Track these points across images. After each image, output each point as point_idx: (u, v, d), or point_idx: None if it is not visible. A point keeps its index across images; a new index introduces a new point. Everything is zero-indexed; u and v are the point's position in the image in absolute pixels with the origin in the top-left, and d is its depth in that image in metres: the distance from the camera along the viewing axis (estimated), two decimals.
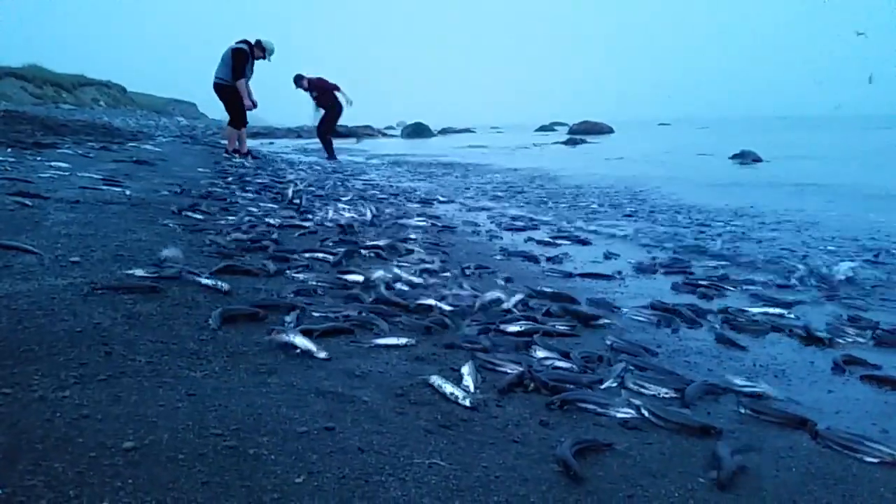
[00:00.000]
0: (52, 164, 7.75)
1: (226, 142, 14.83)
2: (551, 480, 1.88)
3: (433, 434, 2.09)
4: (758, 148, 20.89)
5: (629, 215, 8.72)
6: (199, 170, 10.19)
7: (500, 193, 11.16)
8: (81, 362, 2.24)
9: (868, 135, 35.62)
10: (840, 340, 3.65)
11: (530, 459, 2.01)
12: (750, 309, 4.08)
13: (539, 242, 6.41)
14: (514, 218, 8.04)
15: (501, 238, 6.58)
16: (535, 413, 2.37)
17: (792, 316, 4.01)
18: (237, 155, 13.49)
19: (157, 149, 13.46)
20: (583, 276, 5.00)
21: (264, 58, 13.49)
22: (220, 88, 13.34)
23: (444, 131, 54.60)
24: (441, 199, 9.71)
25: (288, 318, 2.96)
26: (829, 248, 6.52)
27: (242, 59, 13.06)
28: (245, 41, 13.23)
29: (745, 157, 19.83)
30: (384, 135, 48.15)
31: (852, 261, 5.62)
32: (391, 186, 11.20)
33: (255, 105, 13.52)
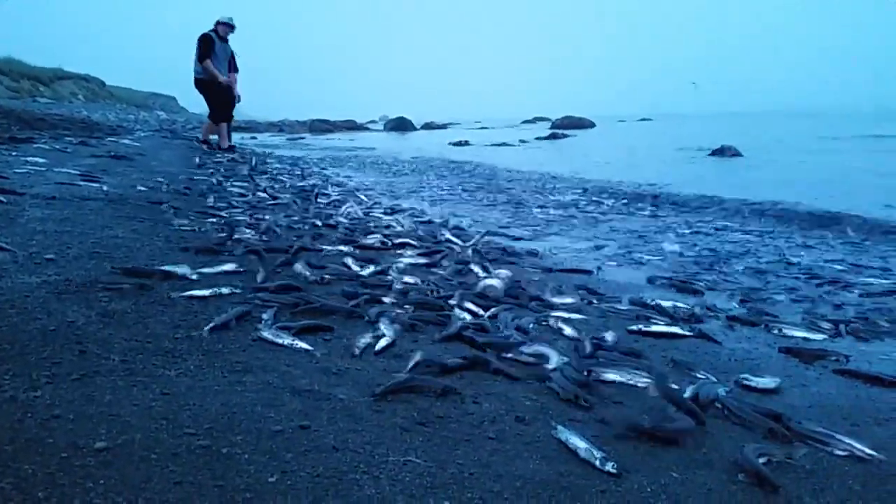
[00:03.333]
0: (29, 159, 7.65)
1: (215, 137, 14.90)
2: (526, 477, 1.89)
3: (409, 431, 2.09)
4: (746, 144, 21.17)
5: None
6: (190, 168, 10.11)
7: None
8: (54, 361, 2.22)
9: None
10: None
11: (505, 456, 2.02)
12: None
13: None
14: None
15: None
16: (511, 410, 2.38)
17: None
18: (218, 149, 13.43)
19: (136, 143, 13.31)
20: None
21: (231, 31, 13.33)
22: (196, 83, 13.32)
23: (427, 126, 54.54)
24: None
25: (265, 316, 2.95)
26: None
27: (203, 42, 12.95)
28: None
29: (725, 153, 20.01)
30: (367, 129, 48.01)
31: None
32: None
33: (232, 90, 13.39)
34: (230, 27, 13.36)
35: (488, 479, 1.86)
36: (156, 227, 4.80)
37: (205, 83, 13.20)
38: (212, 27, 13.20)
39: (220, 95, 13.40)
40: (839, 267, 5.94)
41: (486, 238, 6.06)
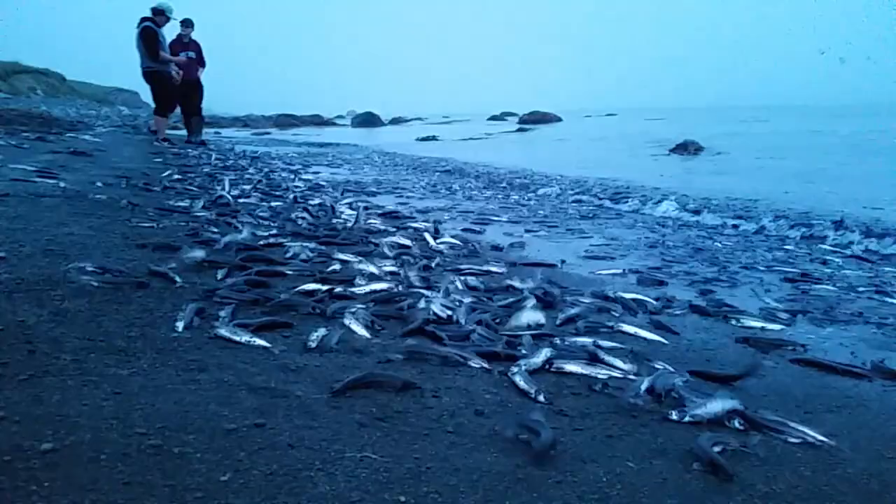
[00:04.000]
0: None
1: (182, 132, 14.88)
2: (482, 469, 1.89)
3: (367, 427, 2.08)
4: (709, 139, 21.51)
5: None
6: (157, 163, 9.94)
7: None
8: (2, 362, 2.16)
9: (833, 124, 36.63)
10: None
11: (463, 449, 2.02)
12: None
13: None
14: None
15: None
16: (470, 403, 2.38)
17: None
18: (167, 142, 13.37)
19: (96, 139, 13.05)
20: None
21: (167, 20, 13.25)
22: (146, 76, 13.25)
23: (395, 121, 54.40)
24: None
25: (223, 313, 2.90)
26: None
27: (150, 37, 12.84)
28: (145, 18, 12.94)
29: (688, 147, 20.30)
30: (334, 124, 47.72)
31: None
32: None
33: (179, 74, 13.41)
34: (168, 18, 13.28)
35: (445, 472, 1.86)
36: (113, 224, 4.71)
37: (151, 75, 13.12)
38: (143, 18, 12.99)
39: (166, 87, 13.36)
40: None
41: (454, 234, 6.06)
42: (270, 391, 2.22)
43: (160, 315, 2.85)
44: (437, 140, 28.67)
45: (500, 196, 10.24)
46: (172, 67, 13.35)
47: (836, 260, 6.24)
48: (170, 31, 13.70)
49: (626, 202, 10.11)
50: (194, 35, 14.51)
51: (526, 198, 10.37)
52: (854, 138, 24.68)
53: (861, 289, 4.90)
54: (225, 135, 26.86)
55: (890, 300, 4.58)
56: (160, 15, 13.04)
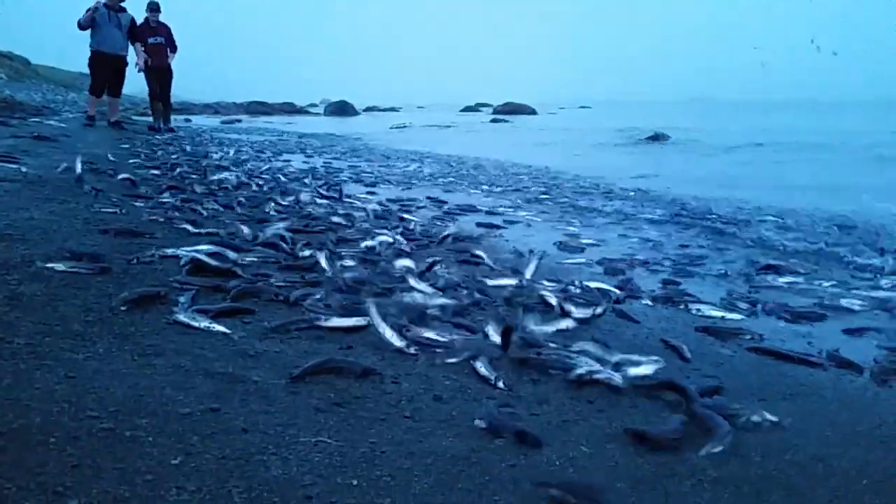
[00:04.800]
0: None
1: (149, 119, 14.65)
2: (437, 454, 1.91)
3: (324, 412, 2.08)
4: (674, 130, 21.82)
5: None
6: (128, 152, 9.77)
7: None
8: None
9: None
10: None
11: (419, 434, 2.04)
12: None
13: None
14: None
15: None
16: (429, 389, 2.40)
17: None
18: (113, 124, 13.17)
19: (62, 124, 12.81)
20: None
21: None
22: (122, 60, 12.97)
23: (368, 110, 54.15)
24: None
25: (182, 299, 2.88)
26: None
27: (88, 11, 12.48)
28: (119, 7, 12.70)
29: (660, 138, 20.63)
30: (307, 112, 47.37)
31: None
32: None
33: (120, 62, 13.01)
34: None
35: (399, 456, 1.87)
36: (76, 209, 4.64)
37: (91, 55, 12.75)
38: (119, 6, 12.75)
39: (94, 66, 12.86)
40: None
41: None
42: (228, 376, 2.21)
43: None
44: (409, 127, 28.63)
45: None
46: (140, 53, 13.10)
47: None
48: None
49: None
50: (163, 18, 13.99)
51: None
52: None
53: None
54: (195, 122, 26.52)
55: None
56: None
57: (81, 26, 12.46)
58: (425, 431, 2.05)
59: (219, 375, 2.22)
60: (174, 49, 14.24)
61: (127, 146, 10.24)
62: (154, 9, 13.66)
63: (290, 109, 46.49)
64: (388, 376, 2.45)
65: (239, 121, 31.72)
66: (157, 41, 13.81)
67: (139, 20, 13.36)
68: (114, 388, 2.00)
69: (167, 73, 14.31)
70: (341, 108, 47.69)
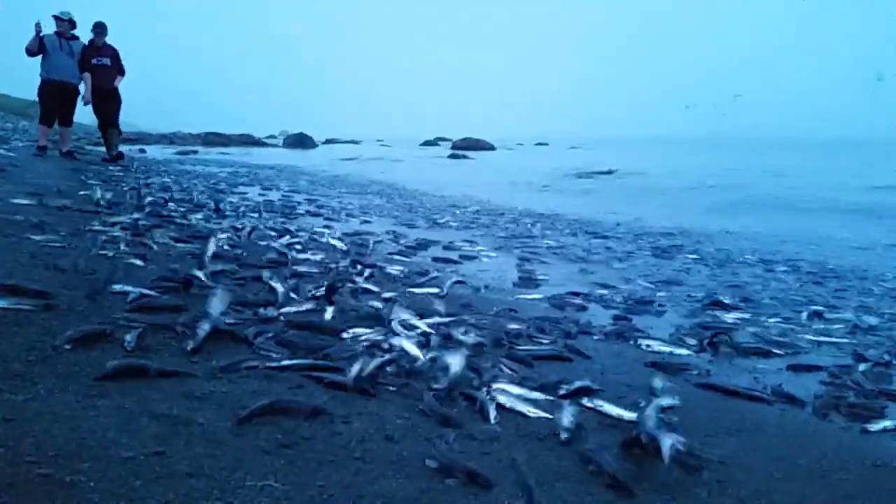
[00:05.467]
0: None
1: (103, 148, 14.29)
2: (386, 495, 1.90)
3: (271, 455, 2.06)
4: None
5: None
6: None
7: None
8: None
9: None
10: None
11: (369, 476, 2.02)
12: None
13: None
14: None
15: None
16: (380, 429, 2.39)
17: None
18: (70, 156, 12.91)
19: (10, 154, 12.52)
20: None
21: (64, 25, 12.31)
22: (73, 89, 12.57)
23: (328, 142, 54.18)
24: None
25: (128, 338, 2.82)
26: None
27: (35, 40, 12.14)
28: (71, 35, 12.32)
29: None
30: (265, 144, 47.19)
31: None
32: None
33: (68, 91, 12.53)
34: (60, 20, 12.26)
35: (348, 499, 1.86)
36: (20, 243, 4.53)
37: (41, 84, 12.44)
38: (70, 33, 12.37)
39: (44, 95, 12.57)
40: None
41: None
42: (172, 418, 2.17)
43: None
44: (358, 161, 28.79)
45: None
46: (88, 84, 12.59)
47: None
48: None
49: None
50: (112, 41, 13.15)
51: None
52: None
53: None
54: (150, 153, 26.16)
55: None
56: (59, 21, 12.27)
57: (29, 51, 12.19)
58: (375, 473, 2.04)
59: (163, 417, 2.17)
60: (121, 73, 13.34)
61: (79, 177, 10.05)
62: (99, 30, 12.96)
63: (247, 141, 46.24)
64: (339, 416, 2.43)
65: (195, 151, 31.42)
66: (100, 62, 12.95)
67: None
68: (55, 432, 1.95)
69: (113, 96, 13.38)
70: (300, 141, 47.64)
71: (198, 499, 1.72)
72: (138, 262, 4.39)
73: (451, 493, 1.98)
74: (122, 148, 15.39)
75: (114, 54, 13.07)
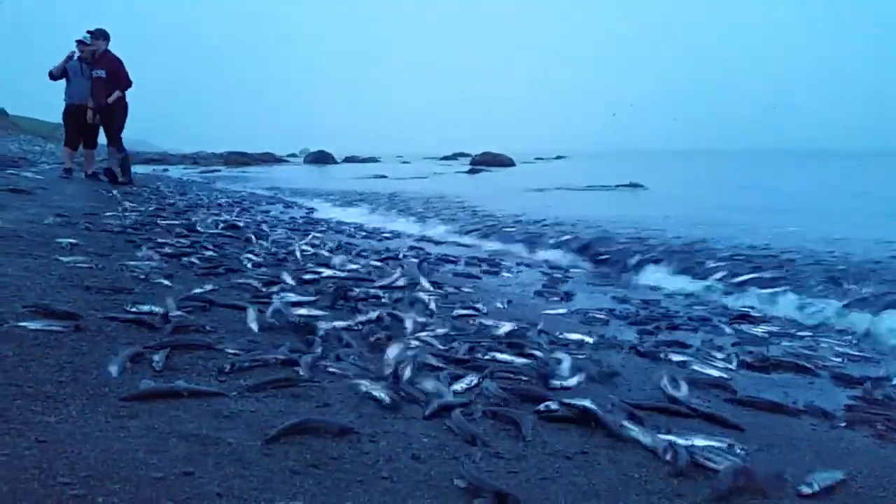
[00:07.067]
0: None
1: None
2: None
3: (300, 475, 2.06)
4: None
5: None
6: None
7: None
8: None
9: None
10: None
11: (397, 496, 2.02)
12: None
13: None
14: None
15: None
16: (407, 448, 2.38)
17: None
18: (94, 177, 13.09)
19: (38, 176, 12.77)
20: None
21: (84, 46, 12.30)
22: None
23: (348, 159, 54.60)
24: None
25: (156, 358, 2.85)
26: None
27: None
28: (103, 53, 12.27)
29: (633, 186, 21.06)
30: (286, 161, 47.70)
31: None
32: None
33: (86, 113, 12.42)
34: (81, 42, 12.25)
35: None
36: (50, 264, 4.60)
37: (65, 108, 12.66)
38: (92, 51, 12.33)
39: (67, 119, 12.78)
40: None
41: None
42: (201, 438, 2.18)
43: (93, 360, 2.79)
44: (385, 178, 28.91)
45: None
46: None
47: None
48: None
49: None
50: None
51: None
52: None
53: None
54: (172, 173, 26.51)
55: None
56: (80, 46, 12.33)
57: (53, 76, 12.48)
58: (403, 493, 2.03)
59: (192, 437, 2.18)
60: (123, 85, 12.46)
61: (105, 198, 10.21)
62: (95, 37, 12.28)
63: (268, 159, 46.77)
64: (366, 435, 2.43)
65: (218, 171, 31.80)
66: (96, 74, 12.27)
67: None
68: (86, 453, 1.96)
69: (112, 113, 12.49)
70: (320, 158, 48.10)
71: None
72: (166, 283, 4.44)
73: None
74: (145, 168, 15.52)
75: (112, 67, 12.28)
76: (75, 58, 12.48)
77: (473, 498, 2.05)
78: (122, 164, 13.23)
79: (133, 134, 13.81)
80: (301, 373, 2.96)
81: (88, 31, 12.38)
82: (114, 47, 12.62)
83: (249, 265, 5.55)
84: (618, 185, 22.12)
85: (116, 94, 12.33)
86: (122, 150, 13.15)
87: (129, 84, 12.55)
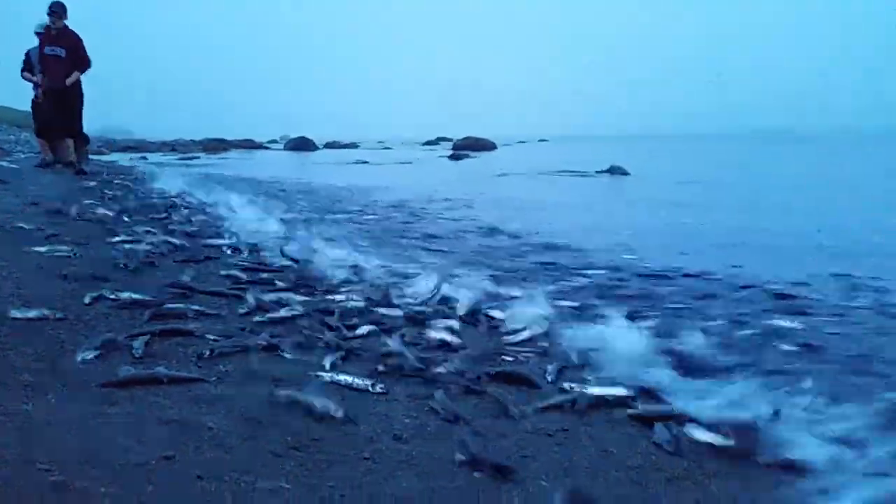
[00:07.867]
0: None
1: (107, 156, 13.79)
2: (396, 495, 1.91)
3: (281, 457, 2.07)
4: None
5: None
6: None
7: None
8: None
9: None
10: None
11: (379, 475, 2.03)
12: None
13: None
14: None
15: None
16: (389, 429, 2.39)
17: None
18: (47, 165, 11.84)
19: (13, 166, 12.59)
20: None
21: (50, 24, 10.88)
22: (62, 92, 11.17)
23: (329, 145, 54.27)
24: None
25: (136, 345, 2.84)
26: None
27: (25, 57, 11.33)
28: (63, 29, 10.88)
29: (614, 171, 20.97)
30: (266, 148, 47.35)
31: None
32: None
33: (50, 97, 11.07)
34: (43, 31, 10.96)
35: (359, 500, 1.87)
36: (28, 254, 4.55)
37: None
38: (61, 31, 10.95)
39: (35, 107, 11.72)
40: None
41: None
42: (182, 423, 2.18)
43: (72, 348, 2.77)
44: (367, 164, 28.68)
45: None
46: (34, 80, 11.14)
47: None
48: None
49: None
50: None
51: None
52: None
53: None
54: (151, 159, 26.21)
55: None
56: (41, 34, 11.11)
57: (27, 75, 11.55)
58: (385, 473, 2.05)
59: (173, 422, 2.18)
60: (84, 65, 11.20)
61: (82, 187, 10.07)
62: (54, 12, 10.76)
63: (248, 146, 46.42)
64: (348, 416, 2.44)
65: (197, 157, 31.51)
66: (53, 52, 10.86)
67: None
68: (66, 440, 1.96)
69: (67, 97, 11.20)
70: (301, 144, 47.71)
71: (208, 502, 1.73)
72: None
73: (461, 491, 1.98)
74: (122, 156, 15.01)
75: (71, 44, 11.00)
76: (36, 46, 11.26)
77: (473, 471, 2.08)
78: (80, 150, 11.97)
79: (112, 122, 13.40)
80: None
81: (52, 9, 10.82)
82: (84, 31, 11.51)
83: None
84: (598, 171, 21.45)
85: (76, 74, 11.14)
86: (87, 139, 12.31)
87: (88, 65, 11.30)
